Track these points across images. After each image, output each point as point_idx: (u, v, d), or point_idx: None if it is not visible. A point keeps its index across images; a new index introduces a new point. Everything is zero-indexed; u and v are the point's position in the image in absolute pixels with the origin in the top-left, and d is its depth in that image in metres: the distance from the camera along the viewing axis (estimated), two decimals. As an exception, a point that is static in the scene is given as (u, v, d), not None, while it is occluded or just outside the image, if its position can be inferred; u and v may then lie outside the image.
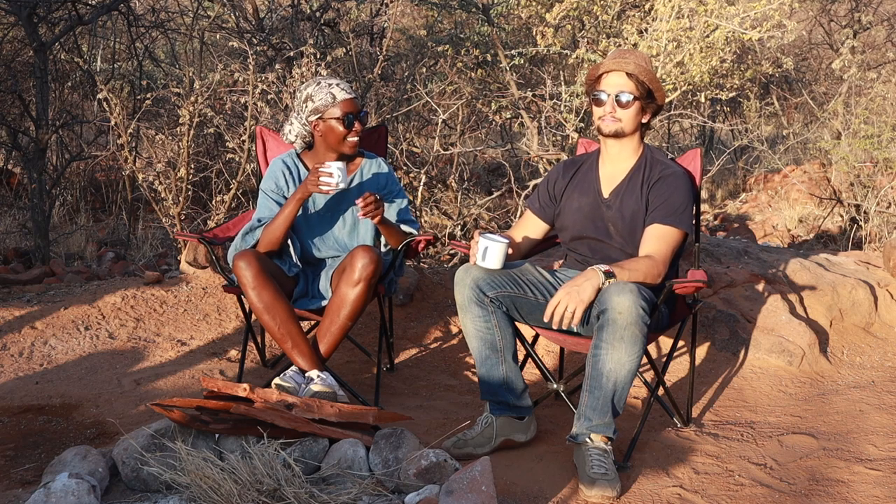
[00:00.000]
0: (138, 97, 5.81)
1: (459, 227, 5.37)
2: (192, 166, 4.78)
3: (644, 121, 2.67)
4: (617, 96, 2.60)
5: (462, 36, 5.87)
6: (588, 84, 2.70)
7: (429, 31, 6.10)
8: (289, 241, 2.91)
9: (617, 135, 2.63)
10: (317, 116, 2.88)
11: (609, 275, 2.38)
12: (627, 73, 2.58)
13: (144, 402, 2.98)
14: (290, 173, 2.97)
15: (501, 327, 2.54)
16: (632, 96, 2.59)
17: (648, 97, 2.63)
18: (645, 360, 2.49)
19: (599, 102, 2.63)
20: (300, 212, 2.92)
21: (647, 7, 5.01)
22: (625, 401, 2.39)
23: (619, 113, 2.61)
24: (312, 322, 3.31)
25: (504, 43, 5.67)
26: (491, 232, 2.60)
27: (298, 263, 2.94)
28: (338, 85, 2.88)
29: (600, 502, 2.25)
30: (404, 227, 2.98)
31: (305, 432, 2.28)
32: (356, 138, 2.89)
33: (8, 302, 3.77)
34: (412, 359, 3.52)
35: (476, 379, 2.70)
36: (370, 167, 3.05)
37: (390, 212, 3.01)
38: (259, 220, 2.91)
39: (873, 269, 3.99)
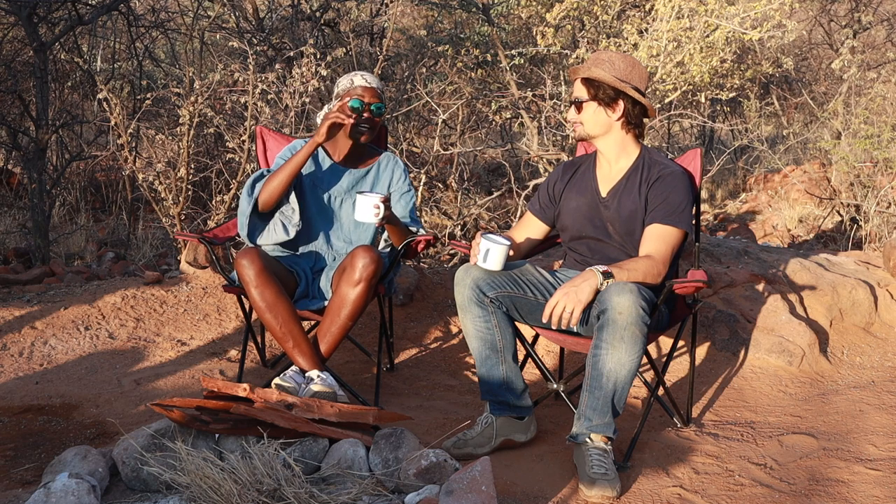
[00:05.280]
0: (138, 97, 5.81)
1: (459, 227, 5.37)
2: (192, 166, 4.78)
3: (616, 118, 2.65)
4: (573, 102, 2.67)
5: (462, 36, 5.87)
6: None
7: (429, 31, 6.10)
8: (290, 200, 2.94)
9: (585, 138, 2.69)
10: (338, 101, 2.99)
11: (607, 275, 2.39)
12: (581, 79, 2.64)
13: (144, 402, 2.98)
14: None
15: (501, 327, 2.55)
16: (584, 99, 2.64)
17: (615, 95, 2.61)
18: (645, 360, 2.49)
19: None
20: (314, 199, 2.99)
21: (647, 7, 5.01)
22: (625, 401, 2.39)
23: (580, 117, 2.66)
24: (312, 322, 3.31)
25: (504, 43, 5.67)
26: (491, 232, 2.61)
27: (299, 223, 2.95)
28: (362, 76, 2.99)
29: (600, 502, 2.25)
30: (411, 227, 3.01)
31: (305, 432, 2.28)
32: (367, 125, 2.96)
33: (8, 302, 3.77)
34: (412, 359, 3.52)
35: (476, 379, 2.70)
36: (386, 163, 3.11)
37: (398, 208, 3.05)
38: (268, 170, 2.96)
39: (873, 269, 3.99)
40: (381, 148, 3.28)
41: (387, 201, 2.73)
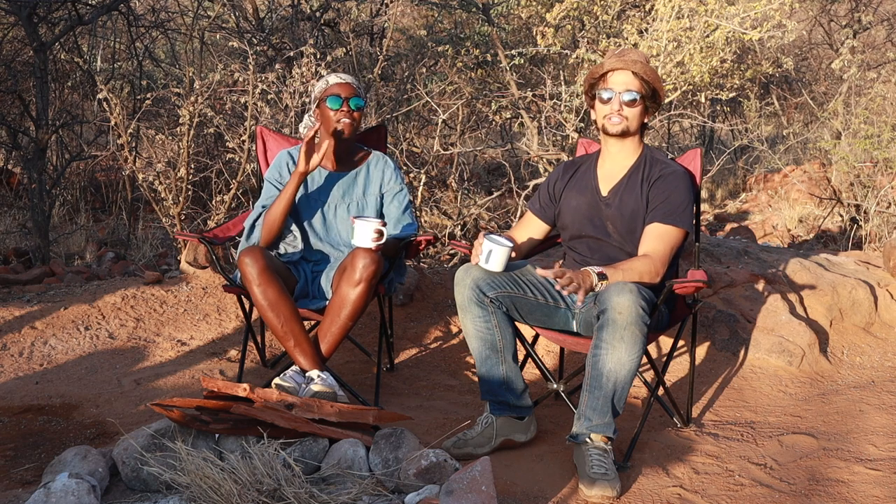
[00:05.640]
0: (138, 97, 5.81)
1: (459, 227, 5.37)
2: (192, 166, 4.78)
3: (646, 121, 2.67)
4: (623, 95, 2.60)
5: (462, 36, 5.87)
6: (589, 82, 2.69)
7: (429, 31, 6.10)
8: (292, 228, 2.97)
9: (623, 134, 2.64)
10: (315, 105, 2.99)
11: (601, 276, 2.38)
12: (633, 72, 2.59)
13: (144, 402, 2.98)
14: (295, 164, 3.02)
15: (501, 327, 2.54)
16: (638, 95, 2.60)
17: (652, 97, 2.63)
18: (645, 360, 2.49)
19: (604, 101, 2.63)
20: (309, 209, 2.99)
21: (647, 7, 5.01)
22: (625, 401, 2.39)
23: (626, 111, 2.61)
24: (313, 322, 3.31)
25: (504, 43, 5.67)
26: (493, 233, 2.60)
27: (301, 245, 2.99)
28: (337, 74, 2.99)
29: (600, 502, 2.25)
30: (399, 233, 3.02)
31: (305, 432, 2.28)
32: (348, 119, 2.94)
33: (8, 302, 3.77)
34: (412, 359, 3.52)
35: (476, 379, 2.70)
36: (376, 163, 3.09)
37: (392, 209, 3.05)
38: (263, 207, 2.97)
39: (873, 269, 3.99)
40: (380, 148, 3.28)
41: (384, 225, 2.73)
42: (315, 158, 2.85)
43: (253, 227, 2.96)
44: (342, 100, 2.93)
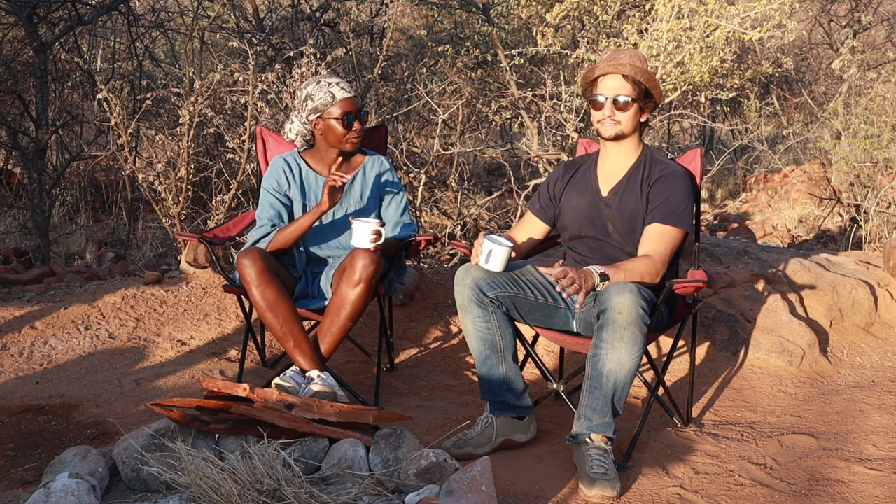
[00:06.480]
0: (138, 97, 5.81)
1: (459, 227, 5.37)
2: (192, 166, 4.78)
3: (643, 120, 2.67)
4: (615, 99, 2.60)
5: (462, 36, 5.87)
6: (584, 87, 2.70)
7: (429, 31, 6.10)
8: (293, 251, 2.95)
9: (618, 138, 2.64)
10: (317, 115, 2.91)
11: (604, 277, 2.38)
12: (623, 75, 2.59)
13: (144, 402, 2.98)
14: (291, 172, 2.99)
15: (501, 327, 2.54)
16: (629, 98, 2.60)
17: (646, 97, 2.63)
18: (645, 360, 2.49)
19: (597, 106, 2.63)
20: (302, 210, 2.96)
21: (647, 7, 5.01)
22: (625, 401, 2.39)
23: (618, 115, 2.61)
24: (312, 322, 3.31)
25: (504, 43, 5.67)
26: (493, 233, 2.60)
27: (301, 271, 2.96)
28: (337, 84, 2.90)
29: (600, 502, 2.25)
30: (399, 233, 3.00)
31: (305, 432, 2.28)
32: (357, 137, 2.92)
33: (8, 302, 3.77)
34: (412, 359, 3.52)
35: (476, 379, 2.70)
36: (372, 165, 3.06)
37: (390, 211, 3.03)
38: (273, 225, 2.92)
39: (873, 269, 3.99)
40: (380, 148, 3.28)
41: (383, 225, 2.72)
42: (335, 195, 2.79)
43: (257, 242, 2.92)
44: (354, 118, 2.88)
